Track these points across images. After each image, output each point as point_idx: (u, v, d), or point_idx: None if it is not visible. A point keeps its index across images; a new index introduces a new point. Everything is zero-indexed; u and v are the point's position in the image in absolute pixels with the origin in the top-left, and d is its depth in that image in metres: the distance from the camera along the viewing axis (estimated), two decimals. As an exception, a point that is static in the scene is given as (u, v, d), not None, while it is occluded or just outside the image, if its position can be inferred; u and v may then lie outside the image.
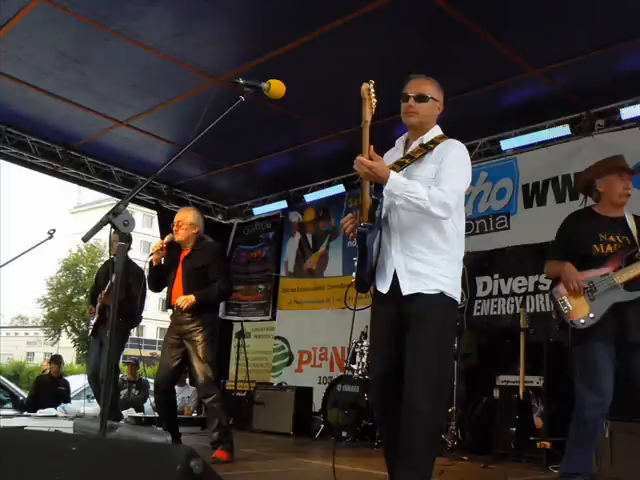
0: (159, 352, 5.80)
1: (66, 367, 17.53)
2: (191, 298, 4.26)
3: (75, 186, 10.22)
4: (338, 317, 7.22)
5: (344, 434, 5.84)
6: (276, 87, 2.47)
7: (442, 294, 2.61)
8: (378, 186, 2.60)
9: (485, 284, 6.38)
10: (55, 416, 7.14)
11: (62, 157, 7.57)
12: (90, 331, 6.23)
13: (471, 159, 2.83)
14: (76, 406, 7.70)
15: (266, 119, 6.07)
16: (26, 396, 9.44)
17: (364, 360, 6.05)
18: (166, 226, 7.35)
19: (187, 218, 4.47)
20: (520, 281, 6.09)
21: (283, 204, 8.65)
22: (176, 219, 4.50)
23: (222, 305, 8.72)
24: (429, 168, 2.68)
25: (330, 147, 6.89)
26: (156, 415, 4.74)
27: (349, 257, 7.58)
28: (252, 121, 5.90)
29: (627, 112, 5.53)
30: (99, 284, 6.17)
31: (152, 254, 4.41)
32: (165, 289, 4.57)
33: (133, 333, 6.18)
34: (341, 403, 6.03)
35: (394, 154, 2.84)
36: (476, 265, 6.26)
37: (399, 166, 2.68)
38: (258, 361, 8.65)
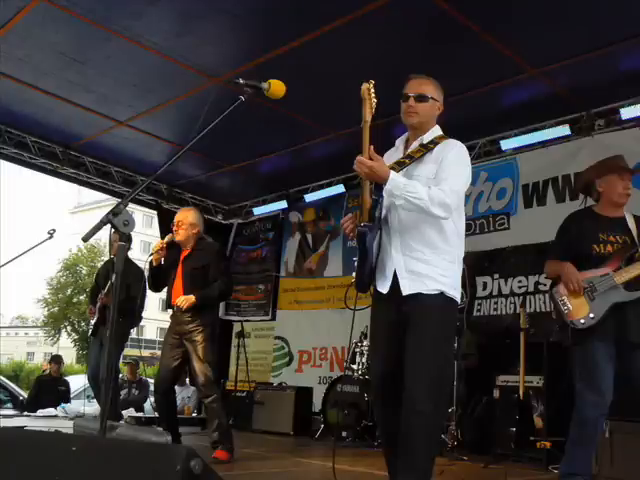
0: (159, 352, 5.80)
1: (66, 367, 17.52)
2: (191, 298, 4.26)
3: (75, 186, 10.22)
4: (338, 317, 7.24)
5: (344, 434, 5.84)
6: (276, 87, 2.47)
7: (442, 294, 2.61)
8: (378, 186, 2.60)
9: (485, 284, 6.38)
10: (55, 416, 7.14)
11: (62, 157, 7.57)
12: (90, 331, 6.23)
13: (471, 159, 2.83)
14: (76, 406, 7.69)
15: (266, 119, 6.07)
16: (26, 396, 9.43)
17: (364, 360, 6.06)
18: (166, 226, 7.35)
19: (187, 218, 4.47)
20: (520, 281, 6.10)
21: (283, 204, 8.65)
22: (176, 219, 4.50)
23: (222, 305, 8.72)
24: (429, 168, 2.68)
25: (330, 147, 6.89)
26: (156, 415, 4.73)
27: (349, 257, 7.59)
28: (252, 121, 5.89)
29: (627, 112, 5.53)
30: (99, 284, 6.17)
31: (152, 254, 4.41)
32: (165, 289, 4.58)
33: (133, 333, 6.18)
34: (341, 403, 6.02)
35: (394, 154, 2.84)
36: (476, 265, 6.26)
37: (399, 166, 2.68)
38: (258, 361, 8.65)
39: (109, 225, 1.94)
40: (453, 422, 5.17)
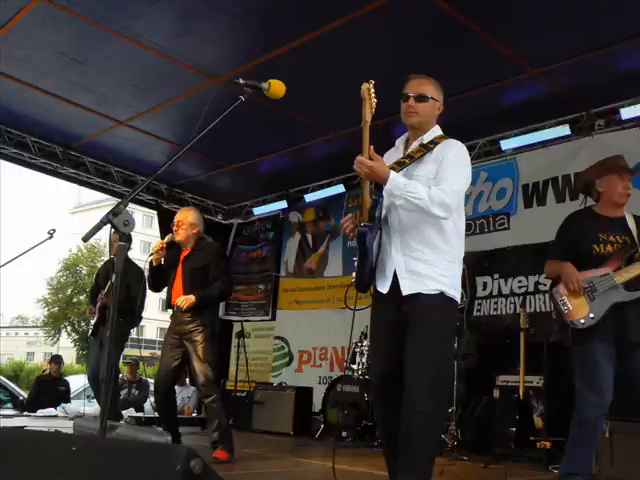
0: (159, 352, 5.79)
1: (66, 367, 17.51)
2: (191, 298, 4.26)
3: (75, 186, 10.23)
4: (338, 317, 7.24)
5: (344, 434, 5.84)
6: (276, 87, 2.47)
7: (442, 294, 2.61)
8: (378, 186, 2.60)
9: (485, 284, 6.38)
10: (55, 416, 7.14)
11: (62, 157, 7.57)
12: (90, 331, 6.24)
13: (471, 159, 2.83)
14: (76, 406, 7.69)
15: (266, 119, 6.07)
16: (26, 396, 9.43)
17: (364, 360, 6.05)
18: (166, 226, 7.35)
19: (187, 218, 4.47)
20: (520, 281, 6.10)
21: (283, 204, 8.65)
22: (176, 219, 4.50)
23: (222, 305, 8.72)
24: (429, 168, 2.68)
25: (330, 147, 6.89)
26: (156, 415, 4.73)
27: (349, 257, 7.59)
28: (252, 121, 5.89)
29: (627, 112, 5.53)
30: (99, 284, 6.17)
31: (152, 254, 4.41)
32: (165, 289, 4.58)
33: (133, 333, 6.18)
34: (341, 403, 6.02)
35: (394, 154, 2.84)
36: (476, 265, 6.26)
37: (399, 166, 2.68)
38: (258, 361, 8.65)
39: (109, 225, 1.94)
40: (453, 422, 5.17)
